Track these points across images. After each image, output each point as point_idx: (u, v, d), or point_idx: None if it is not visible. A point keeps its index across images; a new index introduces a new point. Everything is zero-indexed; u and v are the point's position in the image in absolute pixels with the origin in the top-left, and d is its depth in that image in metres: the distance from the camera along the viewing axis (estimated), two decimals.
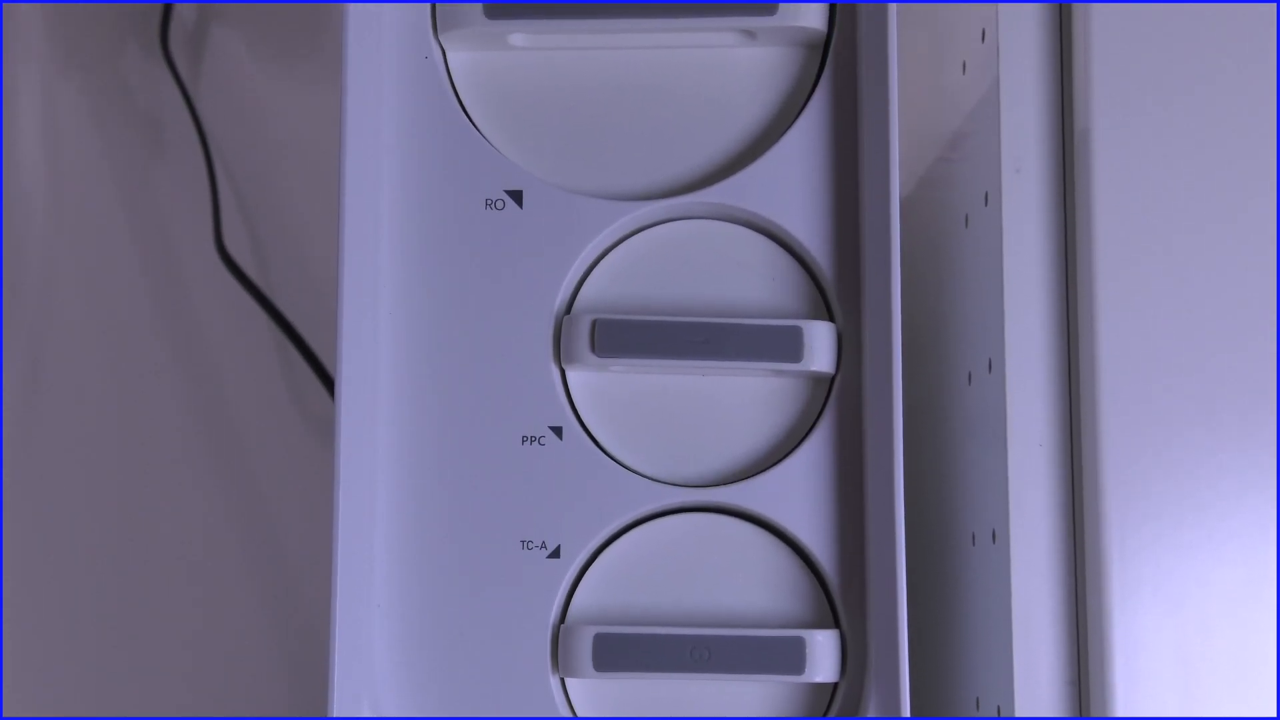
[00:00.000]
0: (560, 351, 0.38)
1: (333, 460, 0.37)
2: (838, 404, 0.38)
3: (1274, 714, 0.37)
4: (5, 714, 0.52)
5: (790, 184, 0.38)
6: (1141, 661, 0.37)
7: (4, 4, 0.61)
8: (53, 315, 0.60)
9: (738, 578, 0.37)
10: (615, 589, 0.38)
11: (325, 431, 0.58)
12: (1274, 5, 0.39)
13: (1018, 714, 0.38)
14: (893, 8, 0.37)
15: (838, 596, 0.37)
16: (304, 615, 0.58)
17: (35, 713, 0.58)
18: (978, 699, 0.40)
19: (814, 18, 0.37)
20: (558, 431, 0.38)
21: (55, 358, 0.60)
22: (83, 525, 0.59)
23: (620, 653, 0.36)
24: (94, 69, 0.62)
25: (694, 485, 0.38)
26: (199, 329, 0.60)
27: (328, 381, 0.55)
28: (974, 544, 0.41)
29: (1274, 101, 0.38)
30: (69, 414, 0.60)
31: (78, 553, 0.59)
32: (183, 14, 0.62)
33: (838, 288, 0.38)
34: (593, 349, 0.37)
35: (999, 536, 0.39)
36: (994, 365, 0.39)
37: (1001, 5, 0.40)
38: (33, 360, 0.60)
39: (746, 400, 0.38)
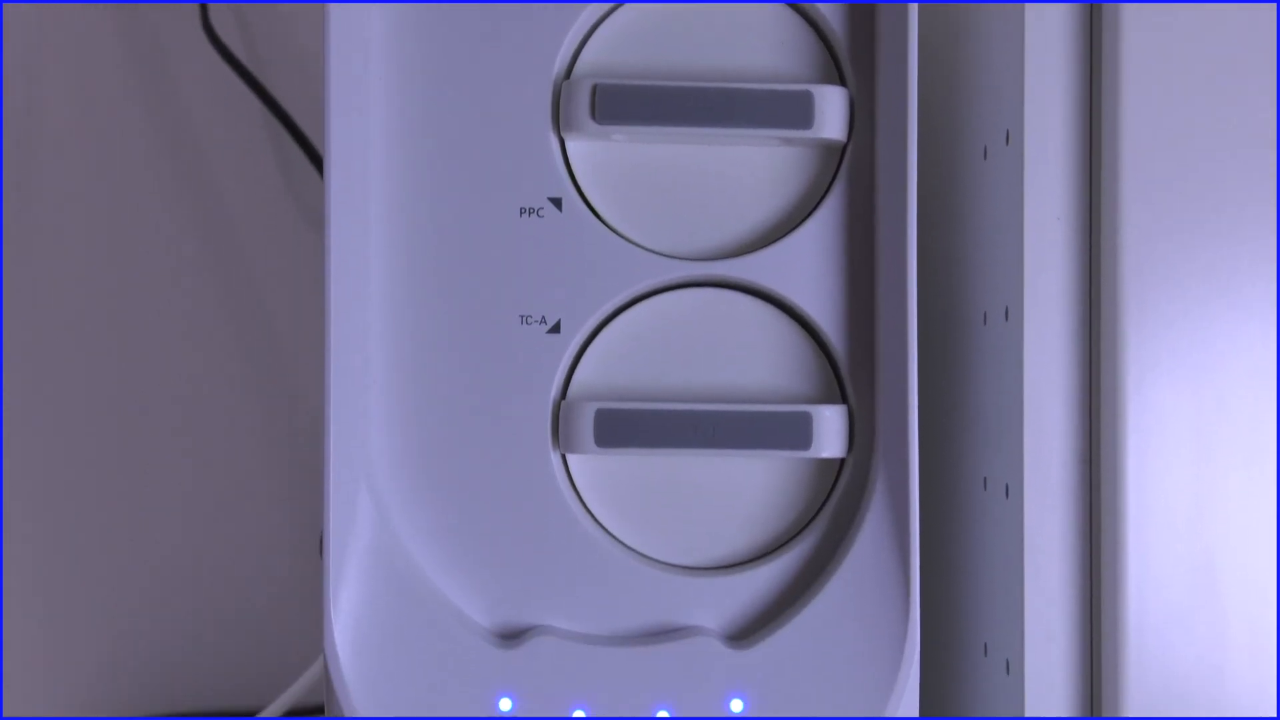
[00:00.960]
0: (559, 119, 0.36)
1: (323, 237, 0.36)
2: (849, 174, 0.36)
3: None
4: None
5: None
6: (1155, 438, 0.36)
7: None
8: (38, 106, 0.58)
9: (743, 354, 0.36)
10: (617, 365, 0.37)
11: (317, 215, 0.56)
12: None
13: (1028, 493, 0.37)
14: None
15: (845, 372, 0.36)
16: (300, 403, 0.58)
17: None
18: (985, 479, 0.40)
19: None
20: (557, 203, 0.36)
21: (45, 145, 0.58)
22: (76, 318, 0.58)
23: (622, 428, 0.36)
24: None
25: (698, 259, 0.36)
26: (188, 112, 0.58)
27: (317, 161, 0.54)
28: (985, 323, 0.40)
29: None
30: (58, 204, 0.58)
31: (72, 341, 0.58)
32: None
33: (850, 53, 0.36)
34: (593, 116, 0.35)
35: (1011, 314, 0.38)
36: (1011, 136, 0.38)
37: None
38: (17, 144, 0.58)
39: (753, 170, 0.36)
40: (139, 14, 0.58)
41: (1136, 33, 0.36)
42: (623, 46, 0.36)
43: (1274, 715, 0.37)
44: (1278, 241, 0.37)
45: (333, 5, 0.35)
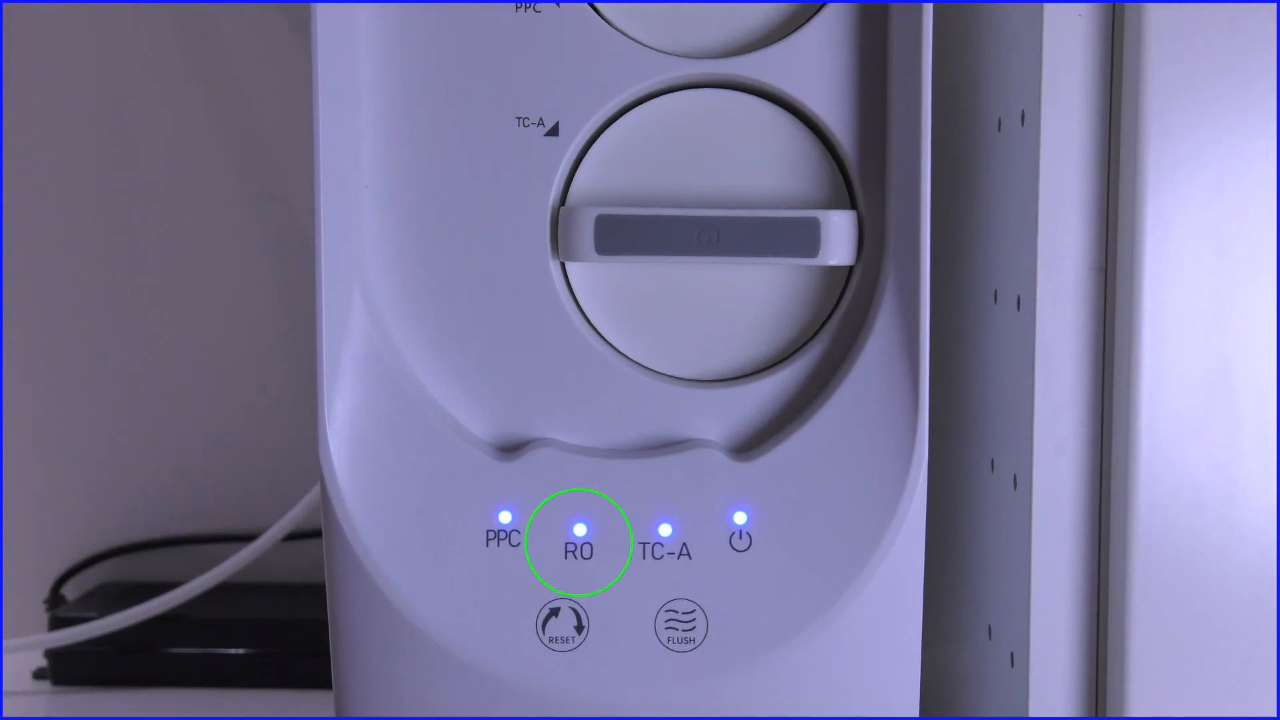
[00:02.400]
0: None
1: (311, 28, 0.34)
2: None
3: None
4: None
5: None
6: (1173, 245, 0.35)
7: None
8: None
9: (749, 157, 0.35)
10: (618, 169, 0.35)
11: (304, 18, 0.55)
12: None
13: (1040, 301, 0.36)
14: None
15: (855, 177, 0.35)
16: (290, 206, 0.57)
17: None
18: (996, 291, 0.39)
19: None
20: None
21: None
22: (67, 119, 0.57)
23: (624, 235, 0.34)
24: None
25: (702, 56, 0.35)
26: None
27: None
28: (1000, 130, 0.38)
29: None
30: (50, 13, 0.56)
31: (55, 142, 0.57)
32: None
33: None
34: None
35: (1028, 117, 0.36)
36: (1027, 117, 0.36)
37: None
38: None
39: None
40: None
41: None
42: None
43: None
44: None
45: None
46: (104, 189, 0.57)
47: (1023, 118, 0.37)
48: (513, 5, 0.34)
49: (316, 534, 0.55)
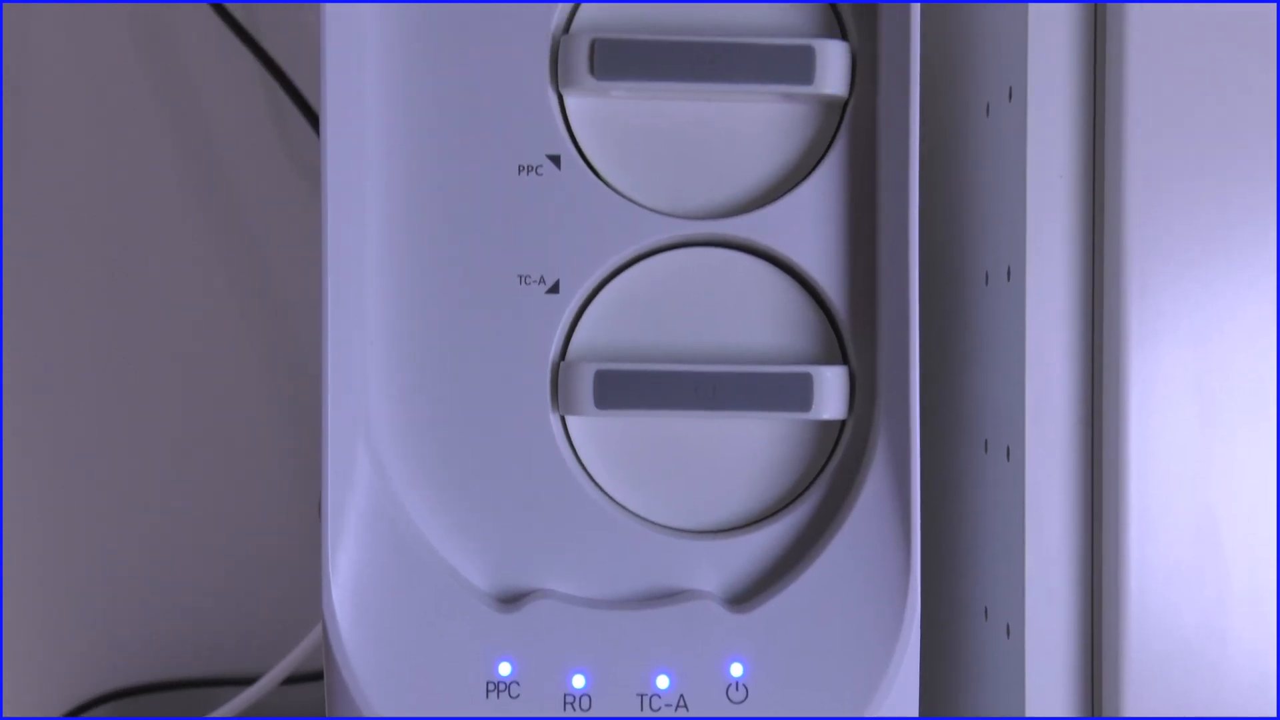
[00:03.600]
0: (558, 74, 0.35)
1: (320, 194, 0.35)
2: (850, 130, 0.36)
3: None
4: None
5: None
6: (1157, 397, 0.36)
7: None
8: (31, 51, 0.58)
9: (743, 314, 0.36)
10: (617, 325, 0.36)
11: (314, 170, 0.56)
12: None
13: (1030, 452, 0.37)
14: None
15: (846, 333, 0.36)
16: (297, 357, 0.57)
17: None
18: (986, 441, 0.39)
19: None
20: (555, 160, 0.36)
21: (35, 97, 0.58)
22: (66, 259, 0.58)
23: (622, 389, 0.35)
24: None
25: (698, 217, 0.36)
26: (187, 72, 0.57)
27: (312, 116, 0.53)
28: (987, 283, 0.39)
29: None
30: (51, 156, 0.58)
31: (62, 286, 0.58)
32: None
33: (852, 6, 0.35)
34: (592, 71, 0.35)
35: (1014, 274, 0.37)
36: (1014, 93, 0.37)
37: None
38: (15, 106, 0.58)
39: (754, 127, 0.36)
40: None
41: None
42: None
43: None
44: (1279, 202, 0.37)
45: None
46: (108, 334, 0.58)
47: (1009, 273, 0.38)
48: (516, 167, 0.36)
49: (316, 677, 0.55)
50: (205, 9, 0.55)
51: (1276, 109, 0.36)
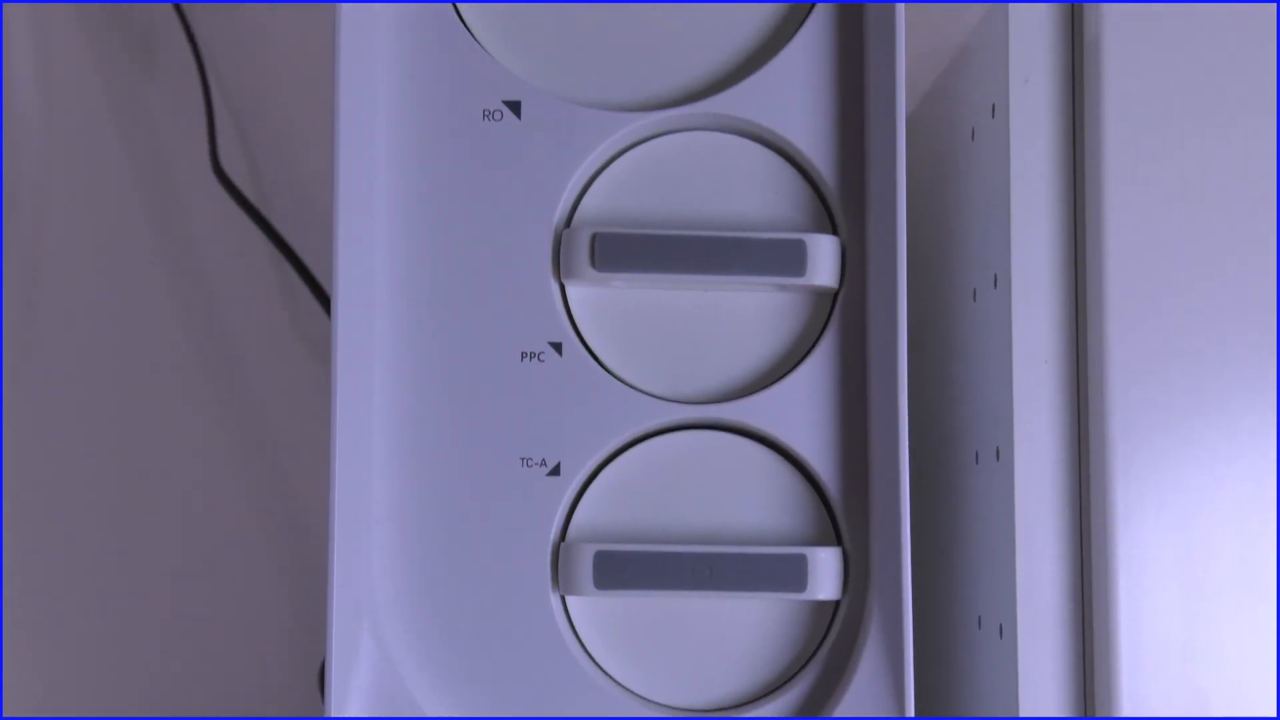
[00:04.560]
0: (560, 266, 0.37)
1: (330, 377, 0.36)
2: (841, 319, 0.37)
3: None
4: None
5: (793, 93, 0.37)
6: (1145, 578, 0.37)
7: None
8: (46, 232, 0.60)
9: (739, 495, 0.37)
10: (615, 506, 0.37)
11: (323, 350, 0.57)
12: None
13: (1020, 631, 0.37)
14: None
15: (840, 514, 0.37)
16: (303, 534, 0.58)
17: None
18: (979, 617, 0.40)
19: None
20: (557, 348, 0.37)
21: (50, 277, 0.59)
22: (78, 445, 0.59)
23: (621, 570, 0.36)
24: None
25: (695, 402, 0.37)
26: (194, 247, 0.59)
27: (324, 299, 0.55)
28: (977, 462, 0.41)
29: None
30: (64, 334, 0.59)
31: (73, 467, 0.59)
32: None
33: (841, 200, 0.37)
34: (593, 263, 0.36)
35: (1003, 454, 0.39)
36: (999, 281, 0.39)
37: None
38: (28, 279, 0.59)
39: (748, 315, 0.37)
40: (149, 147, 0.60)
41: (1119, 186, 0.37)
42: (621, 194, 0.38)
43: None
44: (1278, 369, 0.37)
45: (342, 158, 0.37)
46: (114, 511, 0.59)
47: (998, 453, 0.39)
48: (519, 353, 0.37)
49: None
50: (216, 188, 0.56)
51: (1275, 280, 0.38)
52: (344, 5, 0.37)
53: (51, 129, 0.60)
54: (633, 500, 0.37)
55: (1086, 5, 0.38)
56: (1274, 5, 0.38)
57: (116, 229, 0.59)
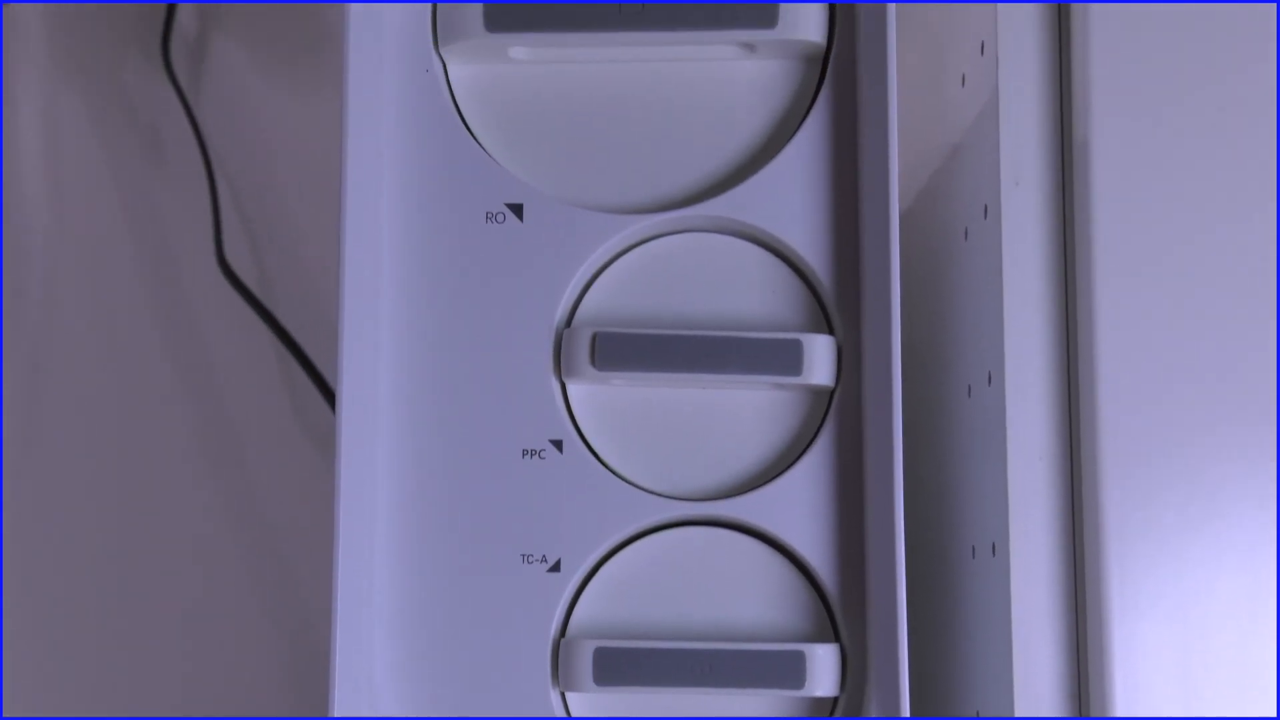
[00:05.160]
0: (561, 364, 0.38)
1: (333, 472, 0.37)
2: (838, 417, 0.38)
3: (1274, 714, 0.37)
4: (5, 714, 0.52)
5: (790, 197, 0.38)
6: (1142, 674, 0.37)
7: (3, 4, 0.61)
8: (53, 323, 0.60)
9: (738, 592, 0.38)
10: (615, 602, 0.38)
11: (326, 443, 0.58)
12: (1274, 5, 0.39)
13: None
14: (892, 12, 0.37)
15: (838, 610, 0.37)
16: (305, 626, 0.58)
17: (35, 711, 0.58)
18: (977, 710, 0.40)
19: (813, 30, 0.37)
20: (558, 445, 0.38)
21: (56, 366, 0.60)
22: (82, 535, 0.59)
23: (621, 667, 0.36)
24: (95, 77, 0.62)
25: (694, 499, 0.38)
26: (199, 339, 0.60)
27: (328, 393, 0.55)
28: (974, 556, 0.41)
29: (1274, 110, 0.38)
30: (69, 423, 0.60)
31: (78, 561, 0.59)
32: (184, 23, 0.62)
33: (837, 300, 0.38)
34: (593, 362, 0.37)
35: (999, 549, 0.39)
36: (994, 378, 0.39)
37: (1001, 17, 0.40)
38: (33, 368, 0.60)
39: (747, 413, 0.38)
40: (156, 239, 0.60)
41: (1109, 287, 0.38)
42: (621, 294, 0.38)
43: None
44: (1277, 460, 0.38)
45: (348, 256, 0.37)
46: (115, 601, 0.59)
47: (994, 549, 0.39)
48: (520, 450, 0.38)
49: None
50: (221, 281, 0.57)
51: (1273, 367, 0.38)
52: (351, 105, 0.38)
53: (60, 220, 0.61)
54: (632, 596, 0.38)
55: (1076, 106, 0.39)
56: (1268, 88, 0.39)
57: (122, 320, 0.60)
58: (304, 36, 0.61)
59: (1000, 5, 0.40)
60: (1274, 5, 0.39)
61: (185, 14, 0.61)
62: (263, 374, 0.59)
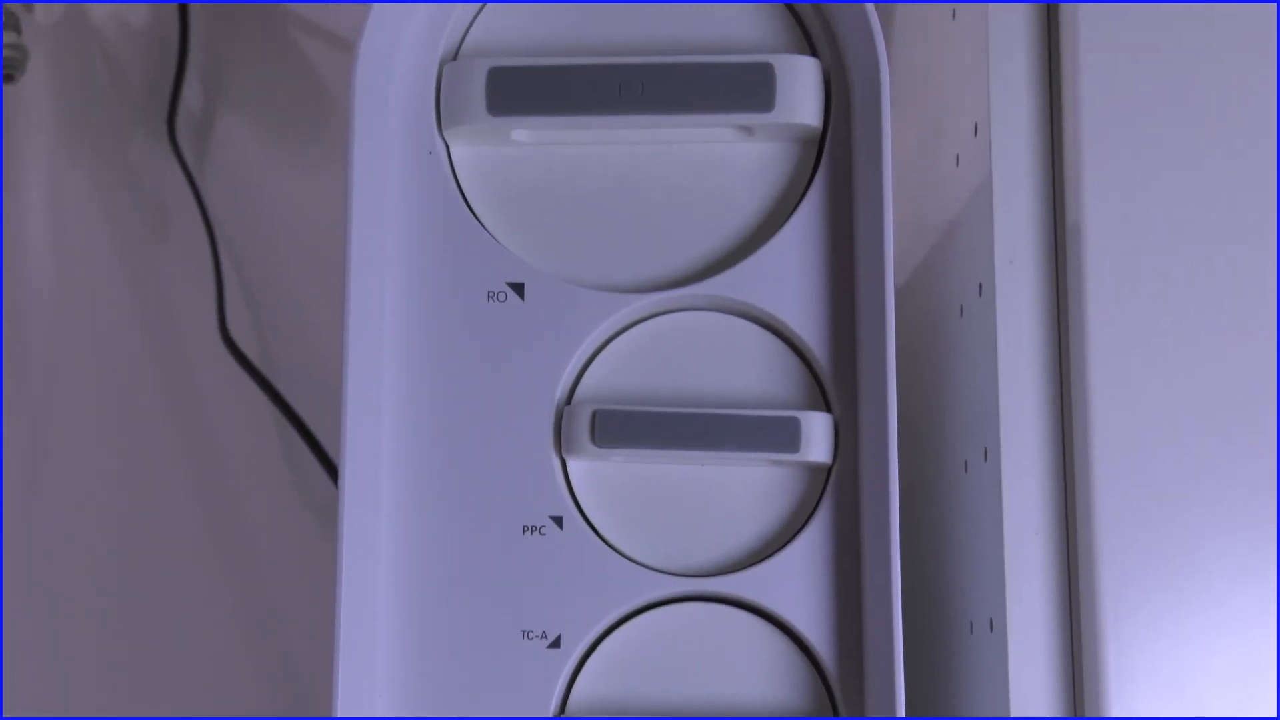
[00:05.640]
0: (561, 441, 0.38)
1: (335, 548, 0.37)
2: (835, 494, 0.38)
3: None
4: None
5: (787, 276, 0.38)
6: None
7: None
8: (57, 397, 0.61)
9: (737, 667, 0.38)
10: (615, 678, 0.38)
11: (326, 515, 0.58)
12: (1273, 96, 0.39)
13: None
14: (886, 96, 0.38)
15: (837, 687, 0.38)
16: (305, 699, 0.58)
17: None
18: None
19: (809, 114, 0.38)
20: (558, 521, 0.38)
21: (59, 440, 0.60)
22: (85, 611, 0.59)
23: None
24: (102, 154, 0.63)
25: (693, 575, 0.38)
26: (202, 413, 0.60)
27: (330, 466, 0.56)
28: (972, 632, 0.41)
29: (1269, 194, 0.39)
30: (72, 497, 0.60)
31: (80, 636, 0.59)
32: (190, 100, 0.63)
33: (834, 378, 0.38)
34: (593, 439, 0.37)
35: (996, 624, 0.39)
36: (989, 454, 0.40)
37: (994, 99, 0.41)
38: (36, 443, 0.60)
39: (745, 490, 0.38)
40: (160, 313, 0.61)
41: (1102, 367, 0.39)
42: (620, 372, 0.39)
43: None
44: (1277, 536, 0.38)
45: (351, 334, 0.38)
46: (119, 678, 0.59)
47: (991, 624, 0.40)
48: (520, 527, 0.38)
49: None
50: (224, 354, 0.58)
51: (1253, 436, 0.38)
52: (355, 185, 0.38)
53: (64, 293, 0.61)
54: (631, 672, 0.38)
55: (1068, 189, 0.39)
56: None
57: (124, 390, 0.60)
58: (308, 114, 0.62)
59: (993, 87, 0.41)
60: (1274, 95, 0.39)
61: (191, 91, 0.62)
62: (264, 446, 0.59)
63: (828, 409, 0.38)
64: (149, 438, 0.60)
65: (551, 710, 0.37)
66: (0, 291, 0.61)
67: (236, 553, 0.59)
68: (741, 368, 0.39)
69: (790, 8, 0.39)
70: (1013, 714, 0.38)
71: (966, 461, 0.42)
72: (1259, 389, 0.38)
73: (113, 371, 0.61)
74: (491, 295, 0.39)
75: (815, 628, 0.38)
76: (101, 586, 0.59)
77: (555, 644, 0.37)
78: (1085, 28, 0.39)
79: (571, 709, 0.37)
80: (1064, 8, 0.40)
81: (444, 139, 0.39)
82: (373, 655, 0.37)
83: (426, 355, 0.39)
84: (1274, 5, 0.39)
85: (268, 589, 0.59)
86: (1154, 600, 0.38)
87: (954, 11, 0.44)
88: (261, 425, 0.59)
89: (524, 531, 0.38)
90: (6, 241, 0.61)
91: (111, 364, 0.61)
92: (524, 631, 0.38)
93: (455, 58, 0.39)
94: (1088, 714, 0.38)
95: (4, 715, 0.53)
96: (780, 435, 0.37)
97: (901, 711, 0.36)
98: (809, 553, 0.38)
